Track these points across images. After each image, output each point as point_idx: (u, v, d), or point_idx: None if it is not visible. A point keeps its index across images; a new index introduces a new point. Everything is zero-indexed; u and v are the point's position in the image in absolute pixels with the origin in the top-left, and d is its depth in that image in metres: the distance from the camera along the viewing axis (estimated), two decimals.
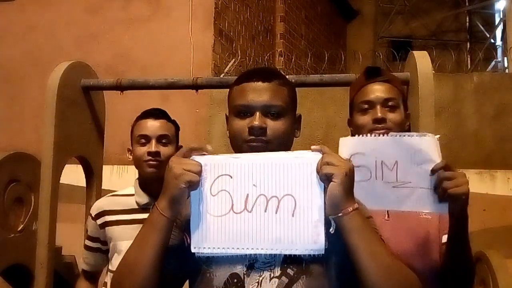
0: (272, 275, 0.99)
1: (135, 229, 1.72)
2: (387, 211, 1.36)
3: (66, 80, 2.13)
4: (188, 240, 1.01)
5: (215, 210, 0.98)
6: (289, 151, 1.02)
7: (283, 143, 1.09)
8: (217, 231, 0.97)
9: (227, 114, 1.17)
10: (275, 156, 0.99)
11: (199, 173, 0.97)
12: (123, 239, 1.70)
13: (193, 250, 0.97)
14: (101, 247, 1.79)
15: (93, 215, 1.80)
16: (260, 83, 1.10)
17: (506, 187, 3.68)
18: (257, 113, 1.07)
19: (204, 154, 1.00)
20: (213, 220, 0.97)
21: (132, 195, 1.80)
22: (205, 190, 0.98)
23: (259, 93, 1.09)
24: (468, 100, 4.02)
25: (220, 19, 5.06)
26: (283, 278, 0.98)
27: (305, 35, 7.19)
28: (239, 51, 5.13)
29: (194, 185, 0.97)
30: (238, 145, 1.09)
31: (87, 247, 1.84)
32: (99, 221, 1.78)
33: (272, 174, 0.98)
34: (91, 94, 2.25)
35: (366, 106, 1.40)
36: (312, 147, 0.99)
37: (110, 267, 1.79)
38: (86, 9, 5.12)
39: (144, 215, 1.73)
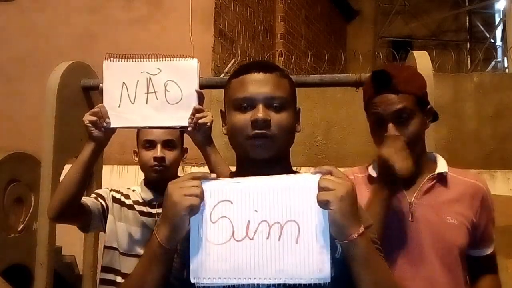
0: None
1: (132, 216, 1.80)
2: (411, 212, 1.33)
3: (66, 80, 2.13)
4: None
5: (215, 237, 0.92)
6: (291, 174, 0.97)
7: (287, 137, 1.05)
8: (218, 260, 0.91)
9: (223, 110, 1.12)
10: (276, 180, 0.94)
11: (200, 195, 0.91)
12: (120, 220, 1.81)
13: (192, 281, 0.92)
14: (102, 203, 1.82)
15: (109, 188, 1.91)
16: (261, 74, 1.04)
17: (506, 187, 3.68)
18: (260, 105, 1.01)
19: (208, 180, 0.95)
20: (213, 248, 0.92)
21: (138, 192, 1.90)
22: (204, 217, 0.93)
23: (260, 84, 1.03)
24: (468, 100, 4.02)
25: (220, 19, 5.07)
26: (281, 286, 0.95)
27: (305, 35, 7.19)
28: (239, 51, 5.13)
29: (195, 209, 0.91)
30: (240, 142, 1.04)
31: (92, 194, 1.88)
32: (112, 193, 1.87)
33: (274, 199, 0.92)
34: (91, 94, 2.25)
35: (376, 119, 1.32)
36: (311, 170, 0.93)
37: (105, 242, 1.84)
38: (86, 9, 5.12)
39: (144, 208, 1.83)
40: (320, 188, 0.90)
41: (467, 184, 1.37)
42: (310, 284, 0.90)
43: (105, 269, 1.81)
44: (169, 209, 0.91)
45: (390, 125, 1.29)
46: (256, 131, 1.01)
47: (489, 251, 1.42)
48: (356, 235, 0.89)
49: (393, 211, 1.32)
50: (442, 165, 1.38)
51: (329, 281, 0.89)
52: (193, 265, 0.92)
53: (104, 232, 1.82)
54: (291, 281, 0.90)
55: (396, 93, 1.29)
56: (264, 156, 1.02)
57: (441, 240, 1.31)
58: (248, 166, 1.04)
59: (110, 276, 1.79)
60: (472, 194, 1.36)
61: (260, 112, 1.01)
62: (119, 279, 1.75)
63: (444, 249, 1.31)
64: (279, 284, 0.93)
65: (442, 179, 1.36)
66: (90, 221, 1.75)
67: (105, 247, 1.83)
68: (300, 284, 0.91)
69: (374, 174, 1.39)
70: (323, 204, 0.89)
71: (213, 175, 0.96)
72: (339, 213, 0.87)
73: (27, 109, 4.80)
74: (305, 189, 0.92)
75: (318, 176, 0.92)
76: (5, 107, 4.99)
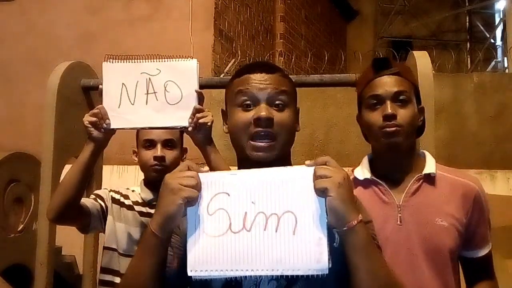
0: (270, 277, 0.97)
1: (131, 216, 1.80)
2: (399, 217, 1.30)
3: (66, 80, 2.13)
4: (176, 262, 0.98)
5: (213, 230, 0.93)
6: (287, 166, 0.97)
7: (288, 136, 1.06)
8: (215, 252, 0.91)
9: (224, 110, 1.13)
10: (273, 172, 0.95)
11: (197, 187, 0.93)
12: (120, 220, 1.81)
13: (189, 274, 0.92)
14: (101, 204, 1.82)
15: (108, 189, 1.91)
16: (264, 74, 1.07)
17: (506, 187, 3.68)
18: (263, 104, 1.03)
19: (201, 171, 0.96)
20: (211, 240, 0.92)
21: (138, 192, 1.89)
22: (202, 209, 0.94)
23: (263, 83, 1.05)
24: (468, 100, 4.02)
25: (220, 19, 5.07)
26: (282, 280, 0.97)
27: (305, 35, 7.19)
28: (239, 51, 5.13)
29: (192, 200, 0.92)
30: (242, 141, 1.05)
31: (91, 195, 1.88)
32: (111, 194, 1.87)
33: (270, 190, 0.93)
34: (91, 94, 2.25)
35: (375, 101, 1.31)
36: (306, 162, 0.94)
37: (105, 243, 1.84)
38: (86, 9, 5.12)
39: (143, 209, 1.83)
40: (317, 176, 0.90)
41: (458, 184, 1.34)
42: (309, 275, 0.90)
43: (104, 270, 1.81)
44: (165, 197, 0.92)
45: (388, 102, 1.29)
46: (259, 129, 1.02)
47: (482, 252, 1.38)
48: (355, 222, 0.90)
49: (381, 215, 1.30)
50: (430, 165, 1.35)
51: (327, 272, 0.89)
52: (190, 258, 0.92)
53: (104, 233, 1.82)
54: (289, 273, 0.90)
55: (397, 75, 1.32)
56: (264, 157, 1.03)
57: (430, 243, 1.28)
58: (249, 166, 1.04)
59: (108, 277, 1.78)
60: (463, 194, 1.32)
61: (263, 111, 1.02)
62: (117, 280, 1.75)
63: (434, 252, 1.28)
64: (279, 276, 0.93)
65: (430, 179, 1.34)
66: (90, 222, 1.75)
67: (104, 248, 1.83)
68: (299, 275, 0.91)
69: (360, 177, 1.37)
70: (321, 191, 0.89)
71: (206, 168, 0.98)
72: (338, 199, 0.88)
73: (27, 109, 4.80)
74: (301, 180, 0.92)
75: (312, 168, 0.92)
76: (5, 107, 4.99)
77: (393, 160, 1.35)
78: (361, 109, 1.38)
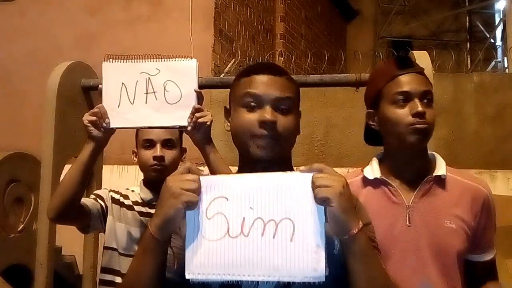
0: None
1: (131, 216, 1.80)
2: (408, 217, 1.30)
3: (66, 80, 2.13)
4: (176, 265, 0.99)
5: (211, 234, 0.93)
6: (286, 172, 0.97)
7: (290, 140, 1.07)
8: (212, 256, 0.92)
9: (227, 107, 1.14)
10: (272, 178, 0.94)
11: (198, 191, 0.93)
12: (120, 220, 1.81)
13: (187, 276, 0.93)
14: (101, 204, 1.81)
15: (108, 189, 1.91)
16: (271, 77, 1.07)
17: (506, 187, 3.68)
18: (268, 107, 1.04)
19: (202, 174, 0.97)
20: (208, 244, 0.93)
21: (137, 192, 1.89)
22: (200, 213, 0.94)
23: (270, 86, 1.06)
24: (468, 100, 4.02)
25: (220, 19, 5.07)
26: (279, 284, 0.96)
27: (305, 35, 7.19)
28: (239, 51, 5.13)
29: (192, 205, 0.92)
30: (244, 140, 1.05)
31: (91, 195, 1.87)
32: (110, 194, 1.87)
33: (269, 196, 0.93)
34: (91, 94, 2.25)
35: (402, 97, 1.29)
36: (301, 168, 0.94)
37: (105, 243, 1.84)
38: (86, 9, 5.12)
39: (143, 209, 1.83)
40: (317, 186, 0.90)
41: (468, 187, 1.34)
42: (306, 282, 0.90)
43: (104, 270, 1.81)
44: (166, 201, 0.93)
45: (417, 100, 1.28)
46: (263, 132, 1.03)
47: (488, 257, 1.38)
48: (357, 230, 0.90)
49: (390, 215, 1.30)
50: (441, 167, 1.35)
51: (324, 280, 0.89)
52: (188, 261, 0.93)
53: (104, 233, 1.83)
54: (285, 279, 0.90)
55: (420, 74, 1.33)
56: (266, 156, 1.04)
57: (438, 245, 1.28)
58: (250, 165, 1.05)
59: (109, 277, 1.79)
60: (473, 197, 1.32)
61: (268, 114, 1.03)
62: (118, 280, 1.75)
63: (441, 254, 1.28)
64: (277, 282, 0.93)
65: (440, 181, 1.33)
66: (90, 222, 1.75)
67: (105, 247, 1.83)
68: (296, 282, 0.91)
69: (370, 176, 1.36)
70: (322, 201, 0.89)
71: (206, 172, 1.00)
72: (340, 209, 0.88)
73: (27, 109, 4.80)
74: (300, 187, 0.92)
75: (310, 174, 0.92)
76: (5, 107, 4.99)
77: (406, 160, 1.34)
78: (380, 105, 1.35)
